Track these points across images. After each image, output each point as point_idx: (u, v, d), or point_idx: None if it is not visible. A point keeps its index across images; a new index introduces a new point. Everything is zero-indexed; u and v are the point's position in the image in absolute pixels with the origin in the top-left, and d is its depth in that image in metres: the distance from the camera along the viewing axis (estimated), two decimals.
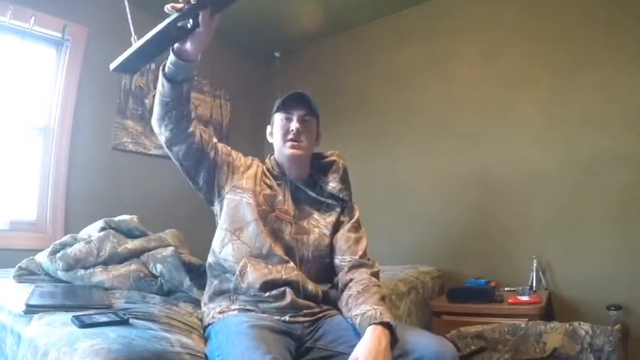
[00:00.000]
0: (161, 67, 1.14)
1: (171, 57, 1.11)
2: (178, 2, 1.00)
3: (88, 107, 2.64)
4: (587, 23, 2.32)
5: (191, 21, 1.03)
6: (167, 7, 1.00)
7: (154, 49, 1.03)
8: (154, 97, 1.22)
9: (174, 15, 1.00)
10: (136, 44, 1.01)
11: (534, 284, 2.23)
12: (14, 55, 2.41)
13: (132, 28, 1.09)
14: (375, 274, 1.28)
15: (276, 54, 3.65)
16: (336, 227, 1.35)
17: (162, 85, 1.14)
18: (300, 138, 1.31)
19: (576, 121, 2.31)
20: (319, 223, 1.33)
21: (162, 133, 1.21)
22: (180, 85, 1.14)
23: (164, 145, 1.25)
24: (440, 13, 2.89)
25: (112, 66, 1.04)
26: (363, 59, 3.24)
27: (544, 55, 2.44)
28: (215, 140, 1.32)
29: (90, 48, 2.65)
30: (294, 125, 1.30)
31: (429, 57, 2.91)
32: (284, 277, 1.21)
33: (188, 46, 1.08)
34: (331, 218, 1.35)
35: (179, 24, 1.03)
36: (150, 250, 1.58)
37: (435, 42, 2.90)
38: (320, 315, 1.23)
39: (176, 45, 1.08)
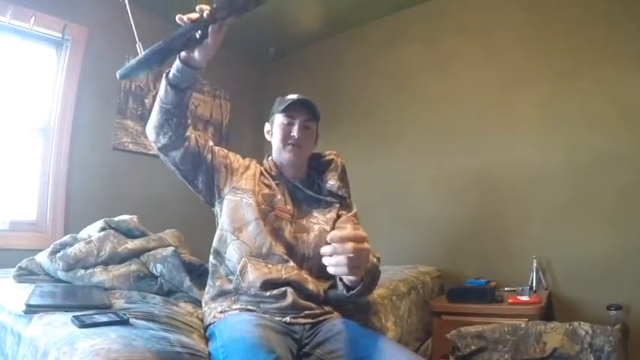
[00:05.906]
0: (164, 74, 1.14)
1: (178, 64, 1.11)
2: (190, 15, 1.01)
3: (88, 107, 2.65)
4: (587, 23, 2.32)
5: (199, 32, 1.05)
6: (179, 18, 1.02)
7: (162, 58, 1.04)
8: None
9: (186, 27, 1.02)
10: (144, 53, 1.01)
11: (534, 284, 2.23)
12: (14, 55, 2.41)
13: (135, 34, 1.09)
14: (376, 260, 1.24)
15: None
16: (336, 222, 1.36)
17: (165, 92, 1.14)
18: (300, 144, 1.32)
19: (576, 121, 2.31)
20: (319, 220, 1.34)
21: (158, 141, 1.21)
22: (183, 92, 1.15)
23: (159, 152, 1.25)
24: (440, 13, 2.89)
25: (119, 74, 1.04)
26: (363, 59, 3.23)
27: (544, 55, 2.44)
28: (211, 144, 1.33)
29: (90, 48, 2.65)
30: (295, 131, 1.32)
31: (428, 57, 2.91)
32: (284, 276, 1.22)
33: (195, 54, 1.08)
34: (331, 214, 1.36)
35: (188, 35, 1.05)
36: (150, 250, 1.58)
37: (435, 42, 2.89)
38: (321, 317, 1.23)
39: (183, 53, 1.09)
